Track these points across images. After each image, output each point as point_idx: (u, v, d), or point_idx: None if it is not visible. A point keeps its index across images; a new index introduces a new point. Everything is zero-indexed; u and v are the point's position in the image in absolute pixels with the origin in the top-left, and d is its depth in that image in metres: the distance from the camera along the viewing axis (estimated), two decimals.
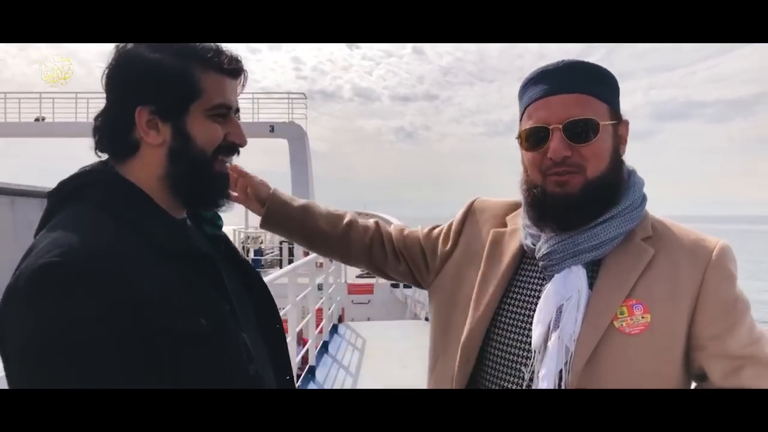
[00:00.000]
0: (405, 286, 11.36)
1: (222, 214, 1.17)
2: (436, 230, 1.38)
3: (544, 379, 1.02)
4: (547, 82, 1.08)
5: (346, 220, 1.43)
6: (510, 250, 1.18)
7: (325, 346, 7.04)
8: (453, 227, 1.33)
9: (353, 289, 11.89)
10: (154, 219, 0.97)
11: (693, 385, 1.07)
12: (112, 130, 1.00)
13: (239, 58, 1.05)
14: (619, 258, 1.06)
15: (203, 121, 1.00)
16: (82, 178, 0.99)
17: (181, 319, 0.89)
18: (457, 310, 1.19)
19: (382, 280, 12.29)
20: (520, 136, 1.12)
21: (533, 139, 1.08)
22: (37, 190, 14.84)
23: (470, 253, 1.24)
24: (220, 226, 1.16)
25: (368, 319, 10.53)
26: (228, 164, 1.07)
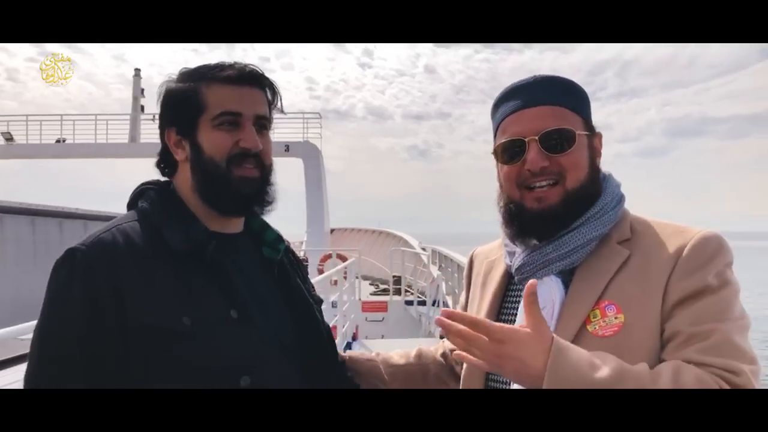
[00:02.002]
0: (419, 303, 11.29)
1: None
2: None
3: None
4: (519, 97, 1.09)
5: (413, 351, 1.45)
6: (498, 274, 1.20)
7: None
8: (464, 285, 1.38)
9: (367, 307, 11.83)
10: (176, 225, 1.05)
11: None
12: (160, 155, 1.15)
13: (245, 66, 1.09)
14: (593, 263, 1.04)
15: (210, 132, 1.08)
16: (141, 188, 1.14)
17: (159, 314, 0.96)
18: None
19: (396, 297, 12.25)
20: (495, 151, 1.12)
21: (509, 153, 1.09)
22: (57, 210, 15.09)
23: (473, 293, 1.28)
24: (279, 251, 1.20)
25: (382, 337, 10.45)
26: (254, 169, 1.10)
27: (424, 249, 13.30)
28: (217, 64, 1.09)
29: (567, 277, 1.05)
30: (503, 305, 1.16)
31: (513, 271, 1.11)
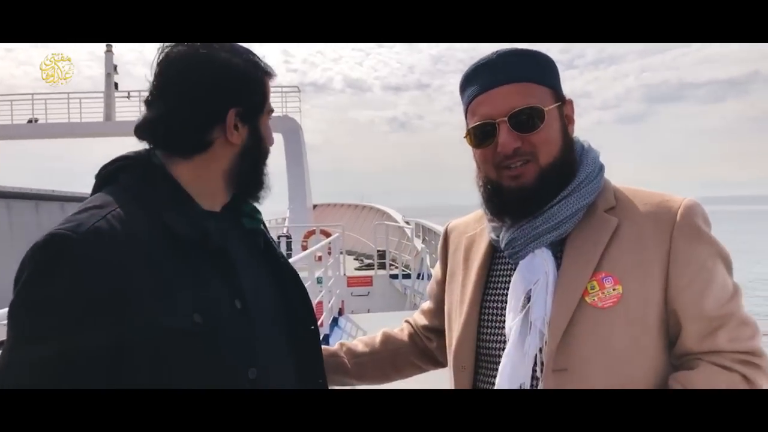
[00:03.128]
0: (404, 277, 11.37)
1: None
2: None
3: (507, 361, 1.02)
4: (484, 76, 1.07)
5: (378, 336, 1.42)
6: (481, 249, 1.18)
7: (326, 340, 7.06)
8: (439, 260, 1.35)
9: (352, 282, 11.90)
10: (176, 208, 0.98)
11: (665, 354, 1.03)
12: (187, 127, 1.01)
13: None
14: (583, 233, 1.04)
15: (267, 123, 1.12)
16: (121, 163, 1.03)
17: (167, 314, 0.89)
18: (454, 324, 1.18)
19: (381, 272, 12.31)
20: (467, 135, 1.11)
21: (481, 136, 1.08)
22: (32, 192, 14.80)
23: (453, 269, 1.25)
24: (260, 220, 1.19)
25: (368, 311, 10.54)
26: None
27: (407, 222, 13.34)
28: (255, 53, 1.09)
29: (557, 248, 1.06)
30: (489, 280, 1.15)
31: (502, 245, 1.10)
